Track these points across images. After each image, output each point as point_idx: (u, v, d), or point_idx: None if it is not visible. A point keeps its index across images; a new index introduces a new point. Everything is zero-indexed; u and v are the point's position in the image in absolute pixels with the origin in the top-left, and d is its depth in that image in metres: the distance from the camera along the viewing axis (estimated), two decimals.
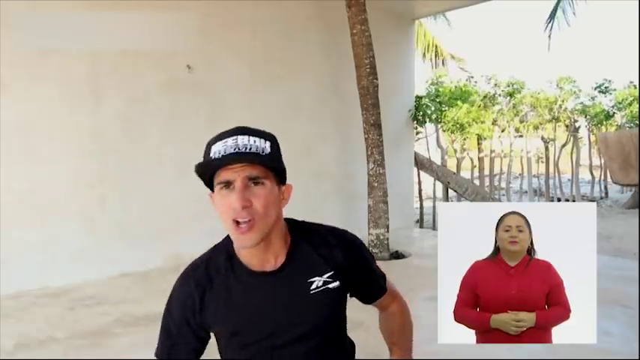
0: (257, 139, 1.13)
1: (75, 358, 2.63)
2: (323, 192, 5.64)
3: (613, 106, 10.17)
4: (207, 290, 1.20)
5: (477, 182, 8.91)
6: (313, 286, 1.20)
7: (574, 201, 10.60)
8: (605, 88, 9.95)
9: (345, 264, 1.24)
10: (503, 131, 9.80)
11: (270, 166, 1.12)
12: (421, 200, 8.31)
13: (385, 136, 4.97)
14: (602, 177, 11.43)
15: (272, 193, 1.12)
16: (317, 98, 5.55)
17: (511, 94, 9.30)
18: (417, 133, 7.82)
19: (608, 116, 10.17)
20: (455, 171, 8.53)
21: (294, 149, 5.37)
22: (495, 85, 9.27)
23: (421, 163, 7.93)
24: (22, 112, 3.81)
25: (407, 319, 1.50)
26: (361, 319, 3.16)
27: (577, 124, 10.52)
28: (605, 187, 11.48)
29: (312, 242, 1.22)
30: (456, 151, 8.81)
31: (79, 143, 4.07)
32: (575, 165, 10.58)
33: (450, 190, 8.31)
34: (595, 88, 10.01)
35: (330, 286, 1.23)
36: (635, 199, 9.89)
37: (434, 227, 8.14)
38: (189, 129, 4.63)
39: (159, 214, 4.46)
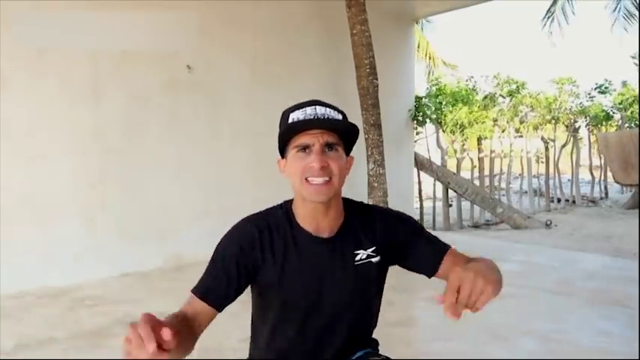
0: (332, 110, 1.24)
1: (75, 358, 2.63)
2: None
3: (613, 107, 10.16)
4: (266, 237, 1.25)
5: (476, 182, 8.90)
6: (357, 258, 1.29)
7: (574, 202, 10.60)
8: (605, 88, 9.95)
9: (387, 239, 1.31)
10: (503, 131, 9.79)
11: (346, 133, 1.22)
12: (421, 200, 8.30)
13: (385, 136, 4.97)
14: (602, 177, 11.42)
15: (343, 159, 1.23)
16: (317, 98, 5.55)
17: (511, 94, 9.29)
18: (417, 134, 7.82)
19: (608, 117, 10.16)
20: (455, 171, 8.52)
21: None
22: (497, 84, 9.25)
23: (421, 164, 7.93)
24: (23, 112, 3.81)
25: (493, 266, 1.23)
26: None
27: (577, 125, 10.52)
28: (605, 188, 11.48)
29: (360, 219, 1.33)
30: (456, 151, 8.80)
31: (79, 143, 4.07)
32: (575, 165, 10.58)
33: (450, 191, 8.30)
34: (595, 89, 10.00)
35: (373, 260, 1.30)
36: (635, 200, 9.89)
37: (434, 227, 8.14)
38: (189, 129, 4.63)
39: (159, 214, 4.46)
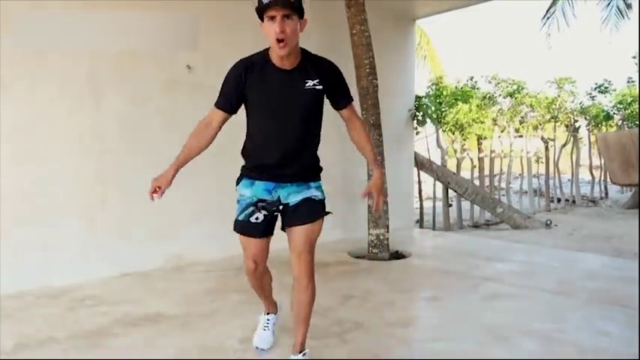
0: None
1: (75, 358, 2.63)
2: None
3: (613, 107, 10.16)
4: (249, 70, 2.13)
5: (476, 182, 8.91)
6: (307, 85, 2.12)
7: (574, 202, 10.60)
8: (605, 88, 9.95)
9: (327, 78, 2.15)
10: (503, 131, 9.79)
11: (296, 9, 1.97)
12: (421, 200, 8.30)
13: (385, 136, 4.97)
14: (602, 177, 11.43)
15: (296, 24, 2.00)
16: None
17: (511, 94, 9.29)
18: (417, 134, 7.81)
19: (608, 117, 10.16)
20: (455, 171, 8.53)
21: None
22: (497, 84, 9.25)
23: (421, 163, 7.93)
24: (22, 112, 3.81)
25: (368, 133, 2.42)
26: (361, 320, 3.18)
27: (577, 125, 10.52)
28: (605, 188, 11.48)
29: (312, 63, 2.15)
30: (456, 151, 8.80)
31: (79, 143, 4.07)
32: (575, 165, 10.58)
33: (450, 191, 8.30)
34: (595, 89, 10.00)
35: (316, 87, 2.13)
36: (635, 200, 9.89)
37: (434, 227, 8.14)
38: (189, 129, 4.59)
39: (158, 214, 4.46)
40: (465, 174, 8.82)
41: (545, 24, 8.68)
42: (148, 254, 4.36)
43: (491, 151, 9.67)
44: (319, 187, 2.32)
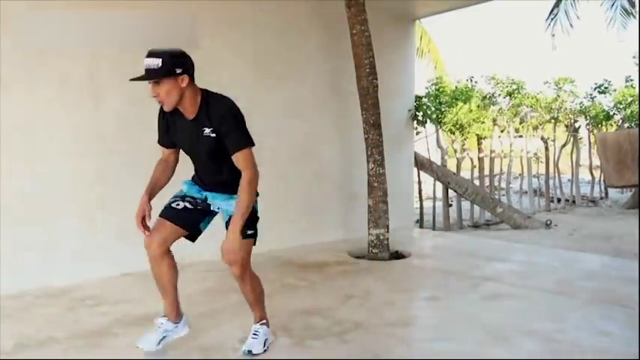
0: (153, 59, 2.39)
1: (75, 358, 2.63)
2: (323, 192, 5.64)
3: (613, 107, 10.15)
4: (167, 115, 2.42)
5: (476, 182, 8.91)
6: (204, 132, 2.33)
7: (574, 202, 10.60)
8: (605, 88, 9.94)
9: (218, 126, 2.30)
10: (502, 131, 9.78)
11: (163, 74, 2.29)
12: (421, 200, 8.30)
13: (385, 136, 4.97)
14: (602, 177, 11.42)
15: (167, 86, 2.30)
16: (317, 98, 5.55)
17: (511, 94, 9.29)
18: (417, 134, 7.81)
19: (608, 117, 10.16)
20: (455, 171, 8.52)
21: (294, 149, 5.38)
22: (496, 84, 9.24)
23: (421, 163, 7.93)
24: (22, 112, 3.81)
25: (247, 190, 2.36)
26: (361, 320, 3.18)
27: (577, 125, 10.51)
28: (605, 188, 11.48)
29: (209, 108, 2.34)
30: (456, 151, 8.79)
31: (78, 143, 4.07)
32: (575, 165, 10.57)
33: (450, 191, 8.30)
34: (595, 89, 9.99)
35: (211, 134, 2.32)
36: (635, 200, 9.89)
37: (434, 227, 8.14)
38: None
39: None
40: (465, 174, 8.82)
41: (549, 25, 8.68)
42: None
43: (491, 151, 9.67)
44: None
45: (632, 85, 10.01)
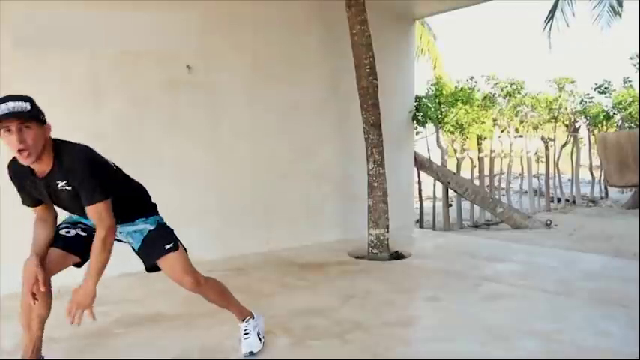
0: (21, 102, 2.01)
1: (75, 358, 2.63)
2: (323, 192, 5.64)
3: (613, 107, 10.14)
4: (17, 176, 2.22)
5: (476, 182, 8.91)
6: (59, 186, 2.12)
7: (574, 202, 10.60)
8: (605, 88, 9.94)
9: (71, 181, 2.10)
10: (503, 131, 9.78)
11: (33, 116, 2.01)
12: (421, 200, 8.30)
13: (385, 136, 4.97)
14: (602, 177, 11.42)
15: (38, 131, 2.02)
16: (317, 98, 5.55)
17: (510, 94, 9.29)
18: (417, 134, 7.81)
19: (608, 117, 10.15)
20: (455, 171, 8.52)
21: (294, 149, 5.38)
22: (495, 84, 9.24)
23: (421, 163, 7.93)
24: None
25: (102, 249, 2.22)
26: (360, 320, 3.18)
27: (577, 125, 10.51)
28: (605, 188, 11.47)
29: (60, 162, 2.10)
30: (456, 151, 8.79)
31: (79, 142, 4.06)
32: (575, 165, 10.57)
33: (450, 191, 8.30)
34: (595, 89, 9.99)
35: (67, 187, 2.12)
36: (635, 200, 9.89)
37: (434, 227, 8.14)
38: (189, 129, 4.63)
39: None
40: (465, 174, 8.82)
41: (547, 24, 8.68)
42: None
43: (492, 151, 9.67)
44: (148, 220, 2.45)
45: (630, 86, 10.00)
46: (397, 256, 4.92)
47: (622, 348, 2.68)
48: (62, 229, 2.34)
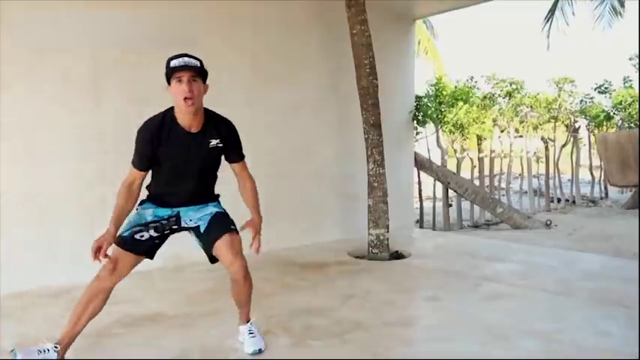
0: (194, 59, 2.32)
1: (75, 358, 2.63)
2: (323, 192, 5.64)
3: (613, 107, 10.15)
4: (158, 130, 2.38)
5: (476, 182, 8.91)
6: (211, 144, 2.44)
7: (574, 202, 10.60)
8: (605, 88, 9.94)
9: (226, 138, 2.48)
10: (502, 131, 9.78)
11: (200, 74, 2.33)
12: (421, 200, 8.30)
13: (385, 136, 4.97)
14: (602, 177, 11.42)
15: (200, 86, 2.34)
16: (317, 98, 5.55)
17: (510, 94, 9.29)
18: (417, 134, 7.81)
19: (608, 117, 10.15)
20: (455, 171, 8.52)
21: (294, 149, 5.38)
22: (495, 84, 9.24)
23: (421, 163, 7.93)
24: (23, 112, 3.81)
25: (256, 192, 2.66)
26: (360, 320, 3.18)
27: (577, 125, 10.51)
28: (605, 188, 11.48)
29: (213, 122, 2.45)
30: (455, 151, 8.79)
31: (79, 143, 4.07)
32: (575, 165, 10.57)
33: (450, 191, 8.30)
34: (595, 89, 9.99)
35: (219, 145, 2.46)
36: (634, 200, 9.89)
37: (434, 227, 8.14)
38: None
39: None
40: (465, 174, 8.82)
41: (547, 24, 8.68)
42: None
43: (491, 151, 9.67)
44: (217, 205, 2.64)
45: (630, 86, 10.00)
46: (397, 256, 4.92)
47: (622, 348, 2.68)
48: (136, 232, 2.45)
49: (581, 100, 10.09)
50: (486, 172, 9.47)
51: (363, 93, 4.84)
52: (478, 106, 8.45)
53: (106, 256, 2.28)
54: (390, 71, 5.98)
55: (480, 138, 8.95)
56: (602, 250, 5.96)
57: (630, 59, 9.85)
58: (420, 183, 8.33)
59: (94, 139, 4.14)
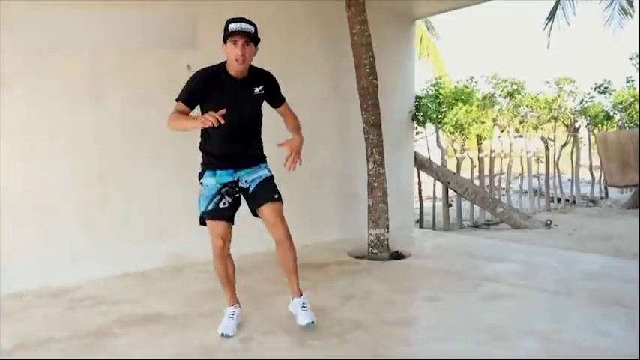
0: (249, 25, 2.72)
1: (75, 358, 2.63)
2: (323, 192, 5.64)
3: (614, 107, 10.14)
4: (211, 78, 2.73)
5: (476, 182, 8.90)
6: (255, 91, 2.81)
7: (574, 202, 10.60)
8: (605, 88, 9.93)
9: (268, 85, 2.87)
10: (502, 131, 9.78)
11: (253, 39, 2.70)
12: (421, 200, 8.30)
13: (385, 136, 4.97)
14: (602, 177, 11.42)
15: (252, 50, 2.71)
16: (317, 98, 5.55)
17: (510, 94, 9.28)
18: (417, 134, 7.81)
19: (608, 117, 10.14)
20: (455, 171, 8.52)
21: None
22: (496, 84, 9.23)
23: (421, 163, 7.93)
24: (23, 112, 3.81)
25: (298, 121, 3.11)
26: (360, 320, 3.18)
27: (577, 125, 10.50)
28: (605, 188, 11.47)
29: (256, 73, 2.84)
30: (456, 151, 8.79)
31: (79, 142, 4.07)
32: (575, 165, 10.57)
33: (450, 191, 8.30)
34: (595, 89, 9.98)
35: (261, 92, 2.83)
36: (635, 200, 9.89)
37: (434, 227, 8.14)
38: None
39: (159, 214, 4.46)
40: (465, 174, 8.82)
41: (548, 24, 8.68)
42: (148, 254, 4.36)
43: (492, 151, 9.66)
44: (266, 167, 2.98)
45: (632, 86, 9.99)
46: (397, 256, 4.92)
47: (622, 348, 2.68)
48: (218, 202, 2.80)
49: (582, 100, 10.07)
50: (486, 172, 9.46)
51: (363, 93, 4.84)
52: (478, 107, 8.44)
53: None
54: (390, 71, 5.98)
55: (480, 138, 8.95)
56: (602, 250, 5.96)
57: (631, 59, 9.84)
58: (420, 183, 8.33)
59: (94, 139, 4.14)
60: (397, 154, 6.25)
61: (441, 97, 7.74)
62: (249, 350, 2.71)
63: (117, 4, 4.10)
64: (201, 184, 2.90)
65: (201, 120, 2.45)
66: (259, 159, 2.95)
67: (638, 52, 9.15)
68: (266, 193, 2.84)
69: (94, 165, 4.13)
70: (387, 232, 4.87)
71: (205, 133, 2.83)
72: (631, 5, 8.52)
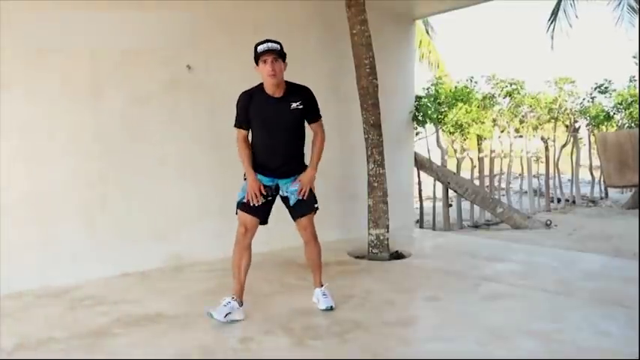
0: (275, 43, 3.00)
1: (75, 358, 2.63)
2: (323, 192, 5.58)
3: (613, 107, 10.13)
4: (252, 98, 3.09)
5: (476, 182, 8.90)
6: (292, 107, 3.08)
7: (574, 202, 10.60)
8: (605, 88, 9.92)
9: (305, 101, 3.14)
10: (502, 131, 9.77)
11: (281, 55, 3.02)
12: (421, 200, 8.30)
13: (385, 136, 4.97)
14: (602, 177, 11.41)
15: (281, 65, 3.02)
16: (317, 98, 5.53)
17: (510, 95, 9.27)
18: (417, 134, 7.81)
19: (609, 117, 10.14)
20: (455, 171, 8.52)
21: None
22: (495, 84, 9.23)
23: (421, 163, 7.92)
24: (23, 112, 3.81)
25: (321, 147, 3.32)
26: (360, 320, 3.18)
27: (577, 125, 10.50)
28: (605, 188, 11.47)
29: (294, 89, 3.14)
30: (455, 151, 8.79)
31: (79, 143, 4.07)
32: (575, 165, 10.57)
33: (450, 191, 8.30)
34: (595, 89, 9.98)
35: (299, 107, 3.10)
36: (634, 200, 9.89)
37: (434, 227, 8.14)
38: (189, 129, 4.63)
39: (159, 214, 4.46)
40: (465, 174, 8.81)
41: (551, 25, 8.67)
42: (148, 254, 4.36)
43: (491, 151, 9.66)
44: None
45: (634, 86, 9.98)
46: (397, 256, 4.92)
47: (622, 348, 2.68)
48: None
49: (583, 99, 10.07)
50: (486, 172, 9.46)
51: (363, 93, 4.84)
52: (478, 107, 8.44)
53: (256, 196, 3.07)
54: (390, 71, 5.98)
55: (479, 138, 8.95)
56: (602, 250, 5.96)
57: (634, 57, 9.83)
58: (420, 183, 8.33)
59: (94, 139, 4.15)
60: (397, 154, 6.25)
61: (440, 97, 7.74)
62: (249, 350, 2.71)
63: (117, 4, 4.10)
64: (245, 180, 3.16)
65: (248, 187, 3.07)
66: (300, 170, 3.22)
67: (638, 52, 9.14)
68: (304, 208, 3.22)
69: (93, 165, 4.13)
70: (387, 232, 4.87)
71: (253, 144, 3.16)
72: (639, 6, 8.49)
